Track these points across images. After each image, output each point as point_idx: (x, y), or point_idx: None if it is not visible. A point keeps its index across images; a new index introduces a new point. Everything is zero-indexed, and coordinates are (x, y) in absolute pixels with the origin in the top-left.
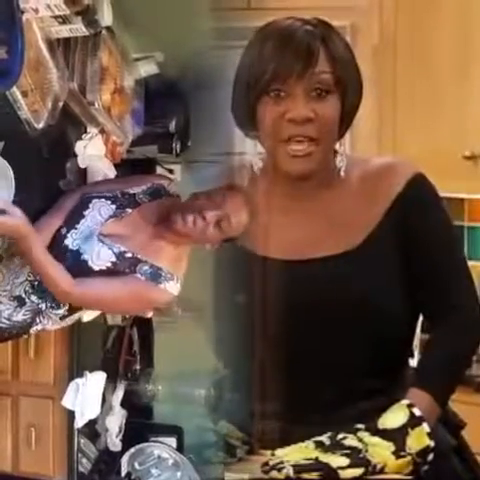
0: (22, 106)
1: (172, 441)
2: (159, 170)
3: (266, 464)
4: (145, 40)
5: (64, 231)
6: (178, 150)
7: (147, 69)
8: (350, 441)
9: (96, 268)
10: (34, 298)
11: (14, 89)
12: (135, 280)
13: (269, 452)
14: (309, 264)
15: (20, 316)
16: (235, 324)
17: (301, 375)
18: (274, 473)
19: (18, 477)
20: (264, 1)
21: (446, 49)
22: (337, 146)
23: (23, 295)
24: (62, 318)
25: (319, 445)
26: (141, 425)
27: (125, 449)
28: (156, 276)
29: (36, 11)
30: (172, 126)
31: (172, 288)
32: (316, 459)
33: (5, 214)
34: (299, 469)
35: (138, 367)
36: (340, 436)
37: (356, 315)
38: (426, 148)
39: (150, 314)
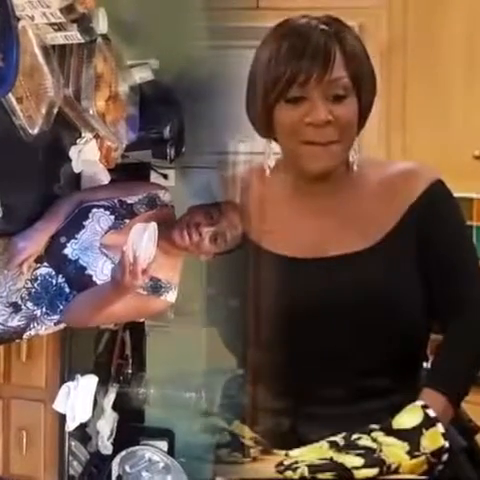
0: (17, 112)
1: (163, 445)
2: (153, 175)
3: (281, 464)
4: (140, 47)
5: (64, 240)
6: (172, 156)
7: (142, 76)
8: (364, 441)
9: (100, 283)
10: (30, 305)
11: (9, 95)
12: (138, 296)
13: (283, 452)
14: (326, 262)
15: (15, 322)
16: (251, 322)
17: (315, 373)
18: (289, 473)
19: None
20: (272, 1)
21: (455, 49)
22: None
23: (19, 301)
24: (56, 323)
25: (333, 445)
26: (132, 428)
27: (116, 452)
28: (157, 289)
29: (32, 18)
30: (166, 132)
31: (171, 297)
32: (331, 459)
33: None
34: (314, 469)
35: (130, 371)
36: (354, 436)
37: (373, 313)
38: (435, 148)
39: (142, 318)
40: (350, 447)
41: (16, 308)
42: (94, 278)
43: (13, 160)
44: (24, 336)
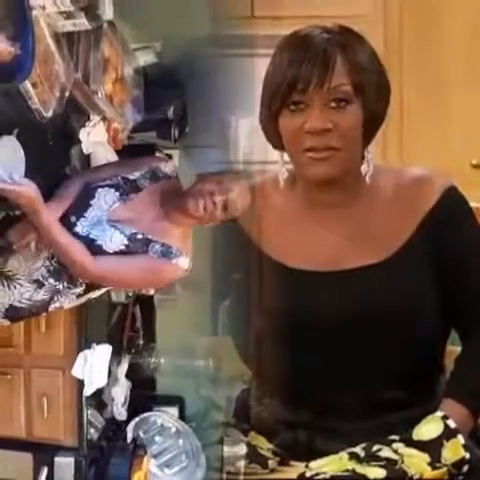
0: (32, 96)
1: (174, 411)
2: (158, 155)
3: (302, 476)
4: (144, 30)
5: (74, 219)
6: (176, 136)
7: (146, 59)
8: (385, 452)
9: (111, 251)
10: (51, 280)
11: (25, 81)
12: (149, 258)
13: (303, 464)
14: (342, 275)
15: (40, 296)
16: (266, 335)
17: (332, 385)
18: None
19: (32, 442)
20: (267, 10)
21: (453, 56)
22: (365, 153)
23: (41, 279)
24: (78, 296)
25: (353, 456)
26: (145, 396)
27: (130, 418)
28: (167, 253)
29: (43, 8)
30: (170, 113)
31: (183, 263)
32: (353, 471)
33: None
34: None
35: (141, 342)
36: (375, 447)
37: (390, 326)
38: (433, 156)
39: (152, 292)
40: (371, 458)
41: (39, 284)
42: (104, 247)
43: (28, 143)
44: (50, 308)
